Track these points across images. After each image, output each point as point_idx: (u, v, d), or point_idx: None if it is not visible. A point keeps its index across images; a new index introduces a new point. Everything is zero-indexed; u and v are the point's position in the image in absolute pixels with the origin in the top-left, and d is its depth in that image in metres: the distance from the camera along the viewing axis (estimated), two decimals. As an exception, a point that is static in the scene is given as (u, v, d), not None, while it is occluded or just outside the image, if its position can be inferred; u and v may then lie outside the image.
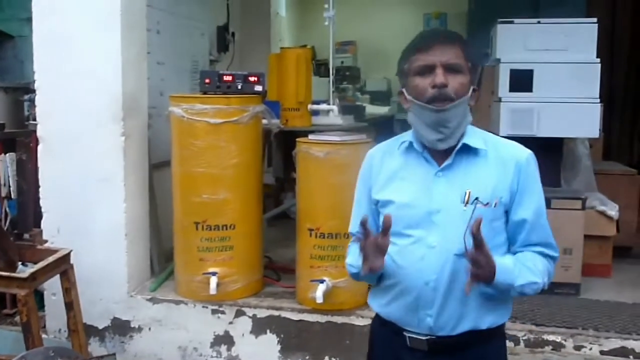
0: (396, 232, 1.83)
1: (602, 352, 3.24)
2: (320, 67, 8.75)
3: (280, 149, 5.22)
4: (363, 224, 1.71)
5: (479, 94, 1.91)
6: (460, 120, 1.82)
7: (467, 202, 1.80)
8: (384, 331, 1.98)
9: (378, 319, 2.02)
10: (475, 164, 1.85)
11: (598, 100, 4.04)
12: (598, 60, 4.03)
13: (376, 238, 1.73)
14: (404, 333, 1.89)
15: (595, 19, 4.09)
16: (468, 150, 1.85)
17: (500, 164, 1.84)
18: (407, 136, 1.94)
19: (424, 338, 1.86)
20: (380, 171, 1.96)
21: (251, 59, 6.72)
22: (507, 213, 1.85)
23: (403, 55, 1.88)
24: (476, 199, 1.80)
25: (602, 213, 4.14)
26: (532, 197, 1.85)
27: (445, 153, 1.85)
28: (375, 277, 1.92)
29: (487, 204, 1.80)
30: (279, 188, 5.99)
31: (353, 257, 1.95)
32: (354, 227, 2.01)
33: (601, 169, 4.96)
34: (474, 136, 1.86)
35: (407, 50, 1.86)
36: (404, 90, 1.88)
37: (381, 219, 1.86)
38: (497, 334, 1.91)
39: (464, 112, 1.83)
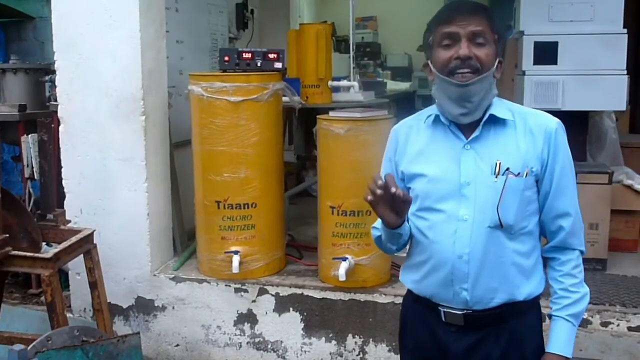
0: (427, 207, 1.86)
1: (629, 328, 3.20)
2: (340, 44, 8.69)
3: (301, 127, 5.20)
4: (387, 180, 1.70)
5: (504, 66, 1.88)
6: (485, 94, 1.80)
7: (498, 173, 1.79)
8: (417, 307, 1.98)
9: (411, 295, 2.02)
10: (504, 135, 1.83)
11: (625, 72, 3.95)
12: (625, 30, 3.94)
13: (392, 191, 1.70)
14: (439, 308, 1.89)
15: (622, -11, 3.99)
16: (495, 121, 1.83)
17: (529, 133, 1.82)
18: (432, 109, 1.92)
19: (460, 312, 1.86)
20: (406, 146, 1.95)
21: (271, 36, 6.68)
22: (537, 182, 1.84)
23: (428, 27, 1.86)
24: (507, 169, 1.79)
25: (629, 187, 4.06)
26: (561, 165, 1.83)
27: (472, 125, 1.83)
28: (397, 243, 1.93)
29: (519, 174, 1.79)
30: (301, 166, 5.98)
31: (379, 221, 1.94)
32: None
33: (628, 142, 4.88)
34: (501, 107, 1.85)
35: (433, 22, 1.84)
36: (429, 62, 1.86)
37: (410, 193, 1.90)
38: (533, 307, 1.91)
39: (489, 86, 1.80)
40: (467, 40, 1.75)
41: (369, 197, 1.73)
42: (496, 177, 1.78)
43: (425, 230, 1.87)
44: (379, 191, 1.70)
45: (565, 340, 1.85)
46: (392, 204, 1.75)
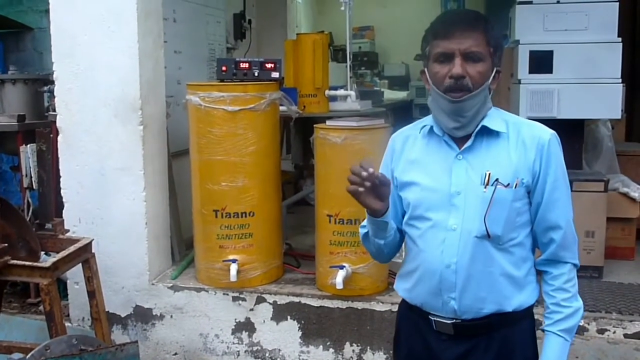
0: (418, 216, 1.87)
1: (625, 335, 3.21)
2: (337, 53, 8.73)
3: (298, 136, 5.22)
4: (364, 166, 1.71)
5: (501, 76, 1.88)
6: (479, 108, 1.80)
7: (487, 184, 1.79)
8: (411, 315, 1.98)
9: (404, 304, 2.02)
10: (496, 146, 1.83)
11: (620, 81, 3.98)
12: (619, 39, 3.97)
13: (375, 177, 1.72)
14: (430, 317, 1.90)
15: (616, -3, 4.02)
16: (489, 133, 1.83)
17: (521, 144, 1.82)
18: (428, 120, 1.93)
19: (449, 322, 1.86)
20: (401, 155, 1.96)
21: (268, 46, 6.71)
22: (529, 194, 1.83)
23: (425, 37, 1.86)
24: (496, 180, 1.78)
25: (625, 195, 4.08)
26: (553, 177, 1.82)
27: (466, 136, 1.84)
28: (384, 236, 1.91)
29: (508, 185, 1.78)
30: (298, 175, 5.99)
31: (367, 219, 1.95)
32: None
33: (623, 150, 4.89)
34: (495, 118, 1.84)
35: (429, 33, 1.83)
36: (425, 70, 1.87)
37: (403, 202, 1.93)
38: (524, 316, 1.90)
39: (483, 100, 1.80)
40: (462, 58, 1.75)
41: (360, 189, 1.73)
42: (485, 187, 1.78)
43: (416, 238, 1.88)
44: (367, 183, 1.71)
45: (556, 356, 1.84)
46: (374, 190, 1.75)
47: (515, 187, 1.79)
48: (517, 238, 1.83)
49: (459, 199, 1.80)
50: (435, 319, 1.88)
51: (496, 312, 1.84)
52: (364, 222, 1.98)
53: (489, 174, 1.79)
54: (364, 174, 1.70)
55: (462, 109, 1.77)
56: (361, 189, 1.73)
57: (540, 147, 1.81)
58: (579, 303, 1.89)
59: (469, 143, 1.83)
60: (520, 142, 1.82)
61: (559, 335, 1.85)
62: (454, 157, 1.84)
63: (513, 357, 1.88)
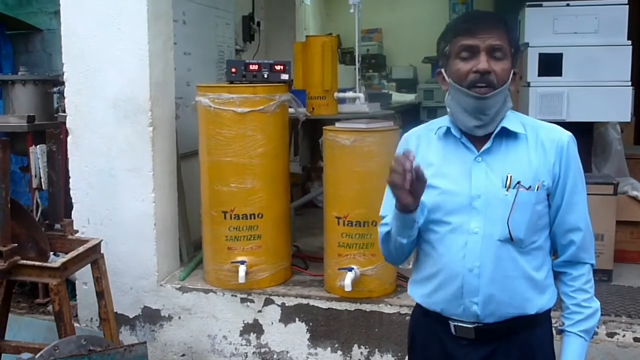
0: (436, 220, 1.84)
1: (635, 339, 3.19)
2: (346, 55, 8.73)
3: (306, 138, 5.22)
4: (407, 155, 1.65)
5: (519, 78, 1.87)
6: (500, 106, 1.79)
7: (508, 187, 1.77)
8: (427, 321, 1.95)
9: (419, 309, 1.98)
10: (515, 148, 1.81)
11: (629, 84, 3.98)
12: (629, 42, 3.96)
13: (412, 174, 1.64)
14: (449, 322, 1.87)
15: (625, 0, 4.01)
16: (507, 134, 1.82)
17: (540, 147, 1.81)
18: (443, 121, 1.90)
19: (470, 326, 1.84)
20: (415, 156, 1.91)
21: (277, 48, 6.72)
22: (549, 197, 1.83)
23: (444, 36, 1.84)
24: (518, 183, 1.77)
25: (634, 198, 4.07)
26: (572, 179, 1.82)
27: (483, 137, 1.82)
28: (408, 235, 1.83)
29: (529, 187, 1.77)
30: (306, 177, 5.98)
31: (389, 217, 1.88)
32: (384, 210, 1.95)
33: (633, 154, 4.89)
34: (513, 120, 1.83)
35: (450, 32, 1.81)
36: (442, 71, 1.84)
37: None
38: (544, 320, 1.90)
39: (504, 99, 1.79)
40: (486, 54, 1.74)
41: (397, 180, 1.65)
42: (507, 190, 1.77)
43: (435, 242, 1.85)
44: (408, 175, 1.64)
45: (577, 356, 1.85)
46: (410, 184, 1.67)
47: (537, 189, 1.78)
48: (538, 241, 1.82)
49: (480, 202, 1.78)
50: (455, 323, 1.86)
51: (518, 315, 1.83)
52: (385, 221, 1.92)
53: (510, 176, 1.78)
54: (408, 164, 1.63)
55: (486, 106, 1.76)
56: (407, 186, 1.65)
57: (560, 149, 1.80)
58: (597, 304, 1.90)
59: (487, 145, 1.81)
60: (540, 144, 1.81)
61: (579, 335, 1.86)
62: (473, 160, 1.82)
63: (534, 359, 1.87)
